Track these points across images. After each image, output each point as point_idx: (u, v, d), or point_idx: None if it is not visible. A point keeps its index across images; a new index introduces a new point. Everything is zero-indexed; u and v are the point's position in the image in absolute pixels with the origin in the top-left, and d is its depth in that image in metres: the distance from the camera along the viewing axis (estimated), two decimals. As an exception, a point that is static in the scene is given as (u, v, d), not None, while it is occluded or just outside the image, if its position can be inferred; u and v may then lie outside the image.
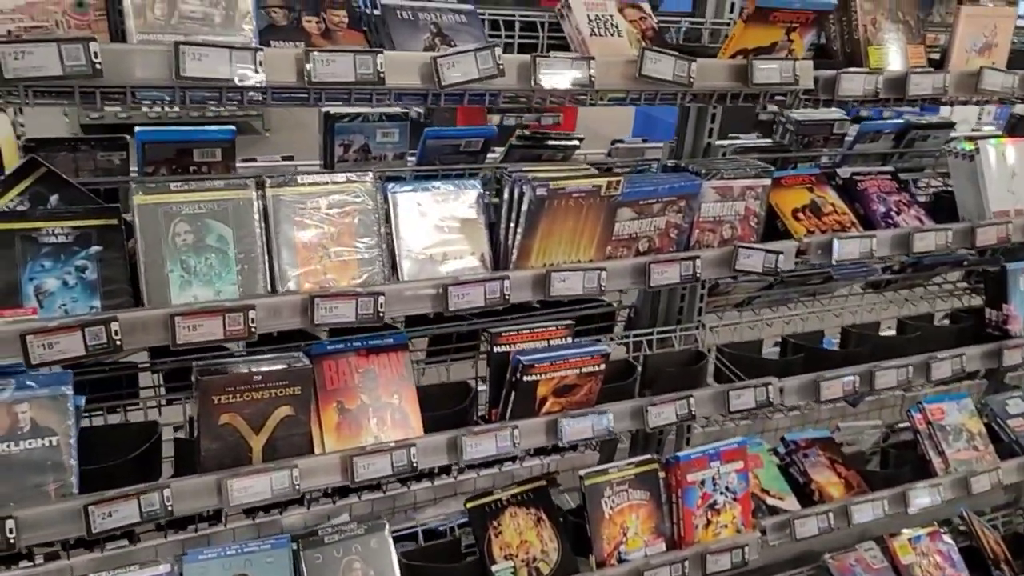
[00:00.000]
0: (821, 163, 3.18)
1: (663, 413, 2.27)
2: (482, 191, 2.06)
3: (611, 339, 2.76)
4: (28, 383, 1.70)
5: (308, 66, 1.62)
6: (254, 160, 2.76)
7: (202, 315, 1.63)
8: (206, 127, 2.10)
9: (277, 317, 1.74)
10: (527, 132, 2.65)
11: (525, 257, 1.98)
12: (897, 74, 2.32)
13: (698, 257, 2.15)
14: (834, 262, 2.36)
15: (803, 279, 3.17)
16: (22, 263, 1.65)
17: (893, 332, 3.13)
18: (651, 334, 2.64)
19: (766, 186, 2.31)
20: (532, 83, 1.84)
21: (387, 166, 2.46)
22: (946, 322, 3.23)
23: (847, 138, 3.16)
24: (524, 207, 1.92)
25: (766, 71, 2.09)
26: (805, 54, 2.28)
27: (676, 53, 1.99)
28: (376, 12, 1.90)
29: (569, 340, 2.25)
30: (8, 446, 1.67)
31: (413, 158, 2.45)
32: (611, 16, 2.14)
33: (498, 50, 1.79)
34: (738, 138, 3.45)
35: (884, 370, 2.58)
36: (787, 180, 2.56)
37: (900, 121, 3.26)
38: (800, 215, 2.50)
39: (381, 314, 1.80)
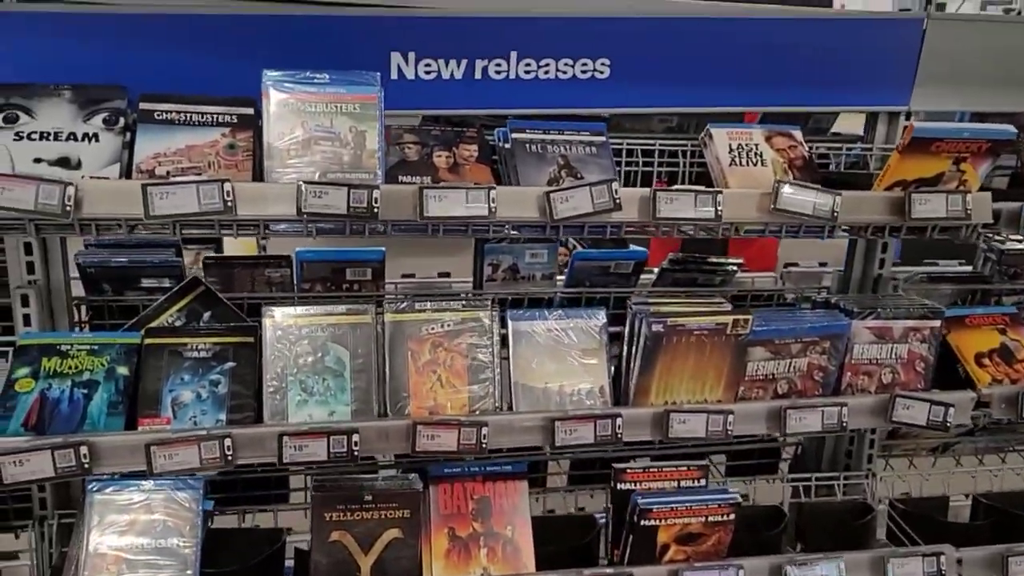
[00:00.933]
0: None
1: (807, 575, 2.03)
2: (606, 321, 2.01)
3: (769, 480, 2.55)
4: (161, 484, 1.84)
5: (421, 202, 1.69)
6: (412, 276, 2.90)
7: (308, 436, 1.70)
8: (359, 248, 2.25)
9: (383, 441, 1.78)
10: (680, 255, 2.58)
11: (643, 394, 1.89)
12: (1102, 204, 2.02)
13: (845, 404, 1.94)
14: (1021, 418, 2.04)
15: (1015, 426, 2.78)
16: (166, 375, 1.82)
17: None
18: (809, 479, 2.41)
19: (935, 328, 2.06)
20: (651, 216, 1.79)
21: (534, 286, 2.49)
22: None
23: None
24: (642, 342, 1.84)
25: (928, 205, 1.89)
26: (989, 182, 2.06)
27: (817, 186, 1.86)
28: (507, 145, 1.96)
29: (702, 482, 2.10)
30: (139, 544, 1.81)
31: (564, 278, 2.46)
32: (756, 145, 2.06)
33: (616, 184, 1.76)
34: (936, 263, 3.16)
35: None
36: (972, 319, 2.27)
37: None
38: (986, 360, 2.20)
39: (484, 445, 1.78)
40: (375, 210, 1.67)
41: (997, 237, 2.59)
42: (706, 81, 2.11)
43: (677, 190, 1.81)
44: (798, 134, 2.11)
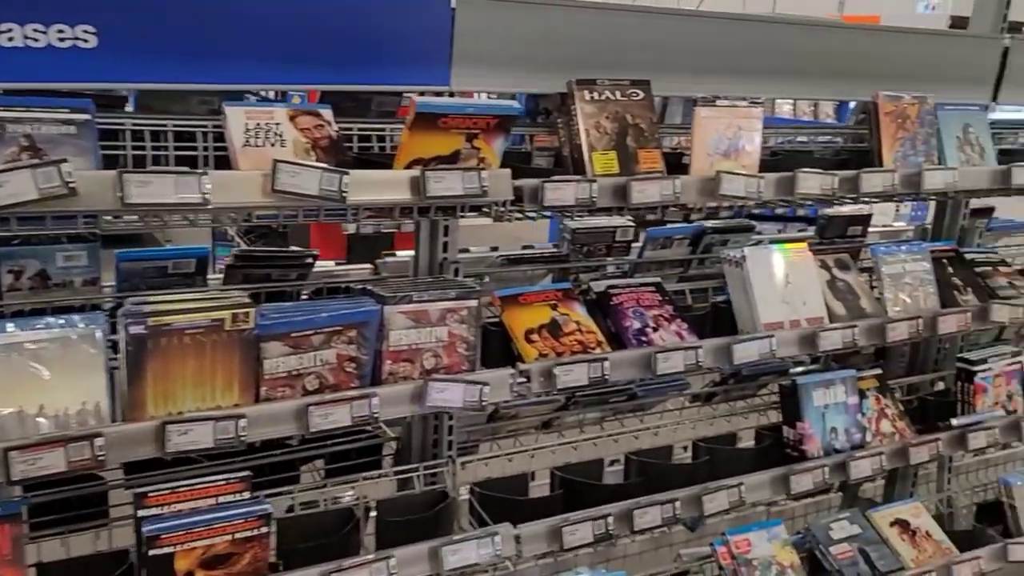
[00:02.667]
0: (608, 272, 2.97)
1: (358, 578, 1.92)
2: (107, 328, 1.75)
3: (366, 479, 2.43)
4: None
5: None
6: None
7: None
8: None
9: None
10: (245, 249, 2.38)
11: (139, 408, 1.66)
12: (617, 182, 2.11)
13: (375, 395, 1.84)
14: (558, 388, 2.08)
15: (603, 398, 2.90)
16: None
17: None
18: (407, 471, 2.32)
19: (472, 308, 2.04)
20: (120, 203, 1.56)
21: (75, 294, 2.16)
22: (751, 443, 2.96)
23: (636, 245, 2.95)
24: (125, 348, 1.61)
25: (443, 183, 1.84)
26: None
27: (323, 166, 1.74)
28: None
29: (246, 495, 1.91)
30: None
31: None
32: (277, 124, 1.90)
33: (64, 167, 1.51)
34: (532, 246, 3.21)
35: (644, 508, 2.27)
36: (526, 297, 2.30)
37: (692, 225, 3.08)
38: (535, 336, 2.23)
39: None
40: None
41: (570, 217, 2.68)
42: (217, 55, 1.91)
43: (152, 171, 1.60)
44: (328, 114, 1.98)
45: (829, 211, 3.33)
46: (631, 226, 2.89)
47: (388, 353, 1.94)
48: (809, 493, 2.60)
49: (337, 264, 2.74)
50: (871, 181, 2.48)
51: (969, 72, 3.04)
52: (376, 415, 1.84)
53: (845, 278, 2.78)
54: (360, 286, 2.13)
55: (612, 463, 2.76)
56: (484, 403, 1.95)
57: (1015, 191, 2.84)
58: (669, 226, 3.03)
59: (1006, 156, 3.15)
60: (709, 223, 3.07)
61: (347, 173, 1.75)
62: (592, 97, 2.20)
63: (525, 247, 2.90)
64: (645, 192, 2.12)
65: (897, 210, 7.47)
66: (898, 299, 2.78)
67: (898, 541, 3.04)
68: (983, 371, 3.03)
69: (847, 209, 3.32)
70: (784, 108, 6.97)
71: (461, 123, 1.85)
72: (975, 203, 3.44)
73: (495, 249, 3.14)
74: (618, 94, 2.23)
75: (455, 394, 1.91)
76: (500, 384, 2.00)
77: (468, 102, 1.88)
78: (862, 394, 2.89)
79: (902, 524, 3.09)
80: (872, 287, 2.83)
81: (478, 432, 2.81)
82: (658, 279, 2.56)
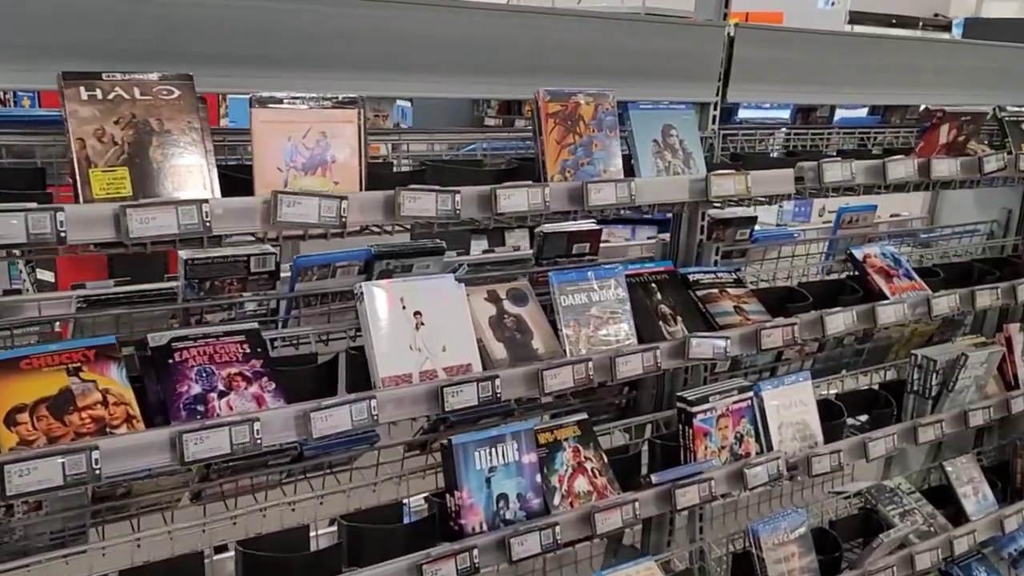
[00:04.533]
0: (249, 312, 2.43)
1: None
2: None
3: None
4: None
5: None
6: None
7: None
8: None
9: None
10: None
11: None
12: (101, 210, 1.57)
13: None
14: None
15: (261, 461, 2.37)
16: None
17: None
18: None
19: None
20: None
21: None
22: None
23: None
24: None
25: None
26: None
27: None
28: None
29: None
30: None
31: None
32: None
33: None
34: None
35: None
36: (30, 361, 1.74)
37: (360, 250, 2.57)
38: (23, 417, 1.68)
39: None
40: None
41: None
42: None
43: None
44: None
45: (548, 227, 2.87)
46: (271, 253, 2.36)
47: None
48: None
49: None
50: (512, 199, 2.01)
51: (688, 66, 2.62)
52: None
53: (517, 312, 2.31)
54: None
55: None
56: None
57: (715, 202, 2.43)
58: (332, 251, 2.51)
59: (757, 159, 2.75)
60: (385, 244, 2.57)
61: None
62: (92, 96, 1.66)
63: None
64: (150, 224, 1.59)
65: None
66: (580, 335, 2.33)
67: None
68: (703, 411, 2.61)
69: (573, 225, 2.88)
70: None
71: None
72: (737, 212, 3.06)
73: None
74: (137, 91, 1.70)
75: None
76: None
77: None
78: (556, 446, 2.43)
79: (635, 595, 2.66)
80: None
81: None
82: (254, 326, 2.04)
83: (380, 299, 2.04)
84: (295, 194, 1.74)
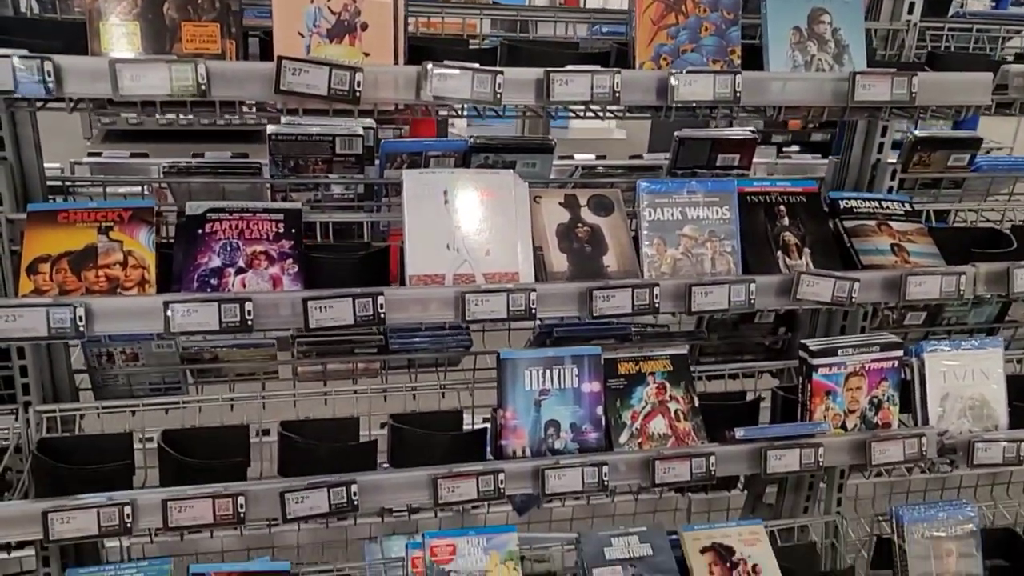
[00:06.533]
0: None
1: None
2: None
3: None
4: None
5: None
6: None
7: None
8: None
9: None
10: None
11: None
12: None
13: None
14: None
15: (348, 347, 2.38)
16: None
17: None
18: None
19: None
20: None
21: None
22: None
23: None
24: None
25: None
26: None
27: None
28: None
29: None
30: None
31: None
32: None
33: None
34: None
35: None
36: (66, 215, 1.79)
37: (457, 141, 2.39)
38: (44, 267, 1.74)
39: None
40: None
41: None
42: None
43: None
44: None
45: (688, 131, 2.49)
46: (359, 135, 2.26)
47: None
48: (467, 501, 1.93)
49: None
50: (570, 86, 1.71)
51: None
52: None
53: (594, 223, 2.02)
54: None
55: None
56: None
57: (862, 108, 1.93)
58: (423, 139, 2.37)
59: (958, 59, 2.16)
60: (487, 136, 2.37)
61: None
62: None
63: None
64: (140, 81, 1.53)
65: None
66: (664, 257, 1.99)
67: (703, 573, 2.31)
68: (827, 365, 2.16)
69: (721, 132, 2.50)
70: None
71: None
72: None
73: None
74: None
75: None
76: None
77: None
78: (638, 379, 2.15)
79: (718, 551, 2.35)
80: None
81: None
82: (296, 206, 1.95)
83: (420, 189, 1.86)
84: (302, 61, 1.59)
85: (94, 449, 1.90)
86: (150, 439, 2.03)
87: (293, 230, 1.89)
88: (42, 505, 1.68)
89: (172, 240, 1.88)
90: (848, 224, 2.17)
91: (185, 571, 2.04)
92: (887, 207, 2.23)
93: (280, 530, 3.03)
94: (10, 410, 1.98)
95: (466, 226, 1.87)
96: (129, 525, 1.69)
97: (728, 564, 2.33)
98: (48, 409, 1.95)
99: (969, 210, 2.62)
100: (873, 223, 2.19)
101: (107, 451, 1.89)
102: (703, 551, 2.34)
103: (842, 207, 2.20)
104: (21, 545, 2.35)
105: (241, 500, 1.76)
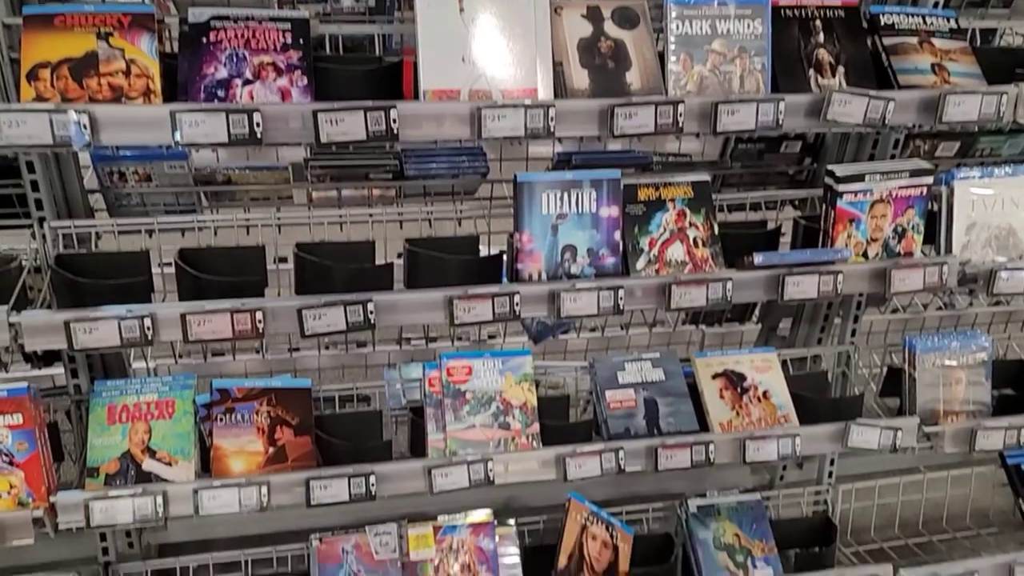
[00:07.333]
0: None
1: None
2: None
3: None
4: None
5: None
6: None
7: None
8: None
9: None
10: None
11: None
12: None
13: None
14: None
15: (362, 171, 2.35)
16: None
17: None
18: None
19: None
20: None
21: None
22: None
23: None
24: None
25: None
26: None
27: None
28: None
29: None
30: None
31: None
32: None
33: None
34: None
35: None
36: (63, 18, 1.71)
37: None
38: (44, 74, 1.67)
39: None
40: None
41: None
42: None
43: None
44: None
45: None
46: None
47: None
48: (482, 322, 1.94)
49: None
50: None
51: None
52: None
53: (618, 37, 1.91)
54: None
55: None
56: None
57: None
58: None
59: None
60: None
61: None
62: None
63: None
64: None
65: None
66: (691, 74, 1.90)
67: (714, 398, 2.36)
68: (852, 192, 2.11)
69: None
70: None
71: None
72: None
73: None
74: None
75: None
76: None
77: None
78: (657, 205, 2.10)
79: (730, 377, 2.39)
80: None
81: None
82: (303, 15, 1.85)
83: (434, -5, 1.75)
84: None
85: (112, 266, 1.90)
86: (168, 264, 2.04)
87: (301, 40, 1.80)
88: (65, 315, 1.70)
89: (176, 53, 1.79)
90: (888, 41, 2.05)
91: (209, 386, 2.10)
92: (931, 23, 2.10)
93: (301, 355, 3.11)
94: (27, 225, 1.97)
95: (482, 38, 1.78)
96: (150, 336, 1.71)
97: (739, 389, 2.37)
98: (63, 225, 1.94)
99: (1016, 33, 2.48)
100: (915, 40, 2.07)
101: (124, 268, 1.89)
102: (715, 376, 2.38)
103: (883, 23, 2.07)
104: (50, 362, 2.41)
105: (259, 315, 1.77)
